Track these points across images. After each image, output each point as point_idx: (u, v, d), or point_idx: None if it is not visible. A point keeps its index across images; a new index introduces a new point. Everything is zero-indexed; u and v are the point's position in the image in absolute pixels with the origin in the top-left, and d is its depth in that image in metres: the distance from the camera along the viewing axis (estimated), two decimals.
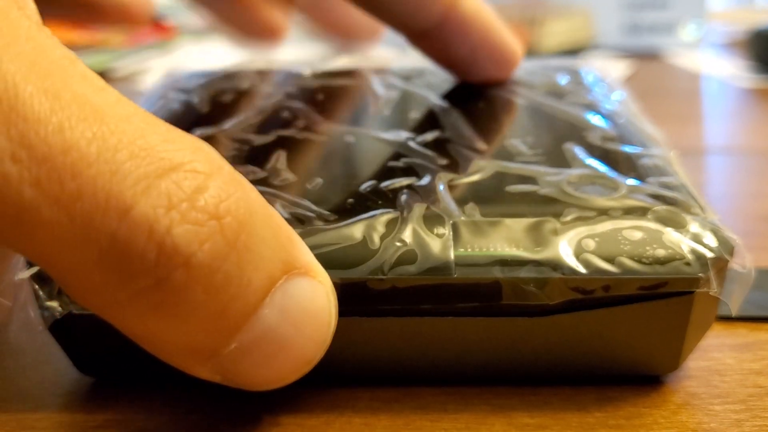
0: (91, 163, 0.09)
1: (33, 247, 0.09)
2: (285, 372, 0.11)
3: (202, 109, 0.19)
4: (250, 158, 0.16)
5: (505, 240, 0.13)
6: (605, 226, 0.13)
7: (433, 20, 0.18)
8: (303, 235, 0.13)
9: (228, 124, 0.18)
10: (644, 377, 0.15)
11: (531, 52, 0.46)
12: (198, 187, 0.09)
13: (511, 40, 0.19)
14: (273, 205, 0.14)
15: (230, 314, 0.10)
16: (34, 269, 0.13)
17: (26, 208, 0.09)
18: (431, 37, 0.19)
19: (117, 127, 0.09)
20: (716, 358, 0.15)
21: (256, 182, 0.15)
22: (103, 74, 0.49)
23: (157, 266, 0.09)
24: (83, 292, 0.10)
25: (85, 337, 0.14)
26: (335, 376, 0.14)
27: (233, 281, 0.09)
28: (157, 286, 0.09)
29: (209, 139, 0.17)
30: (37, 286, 0.13)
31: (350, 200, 0.14)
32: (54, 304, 0.13)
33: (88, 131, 0.09)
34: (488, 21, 0.19)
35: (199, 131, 0.17)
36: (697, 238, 0.13)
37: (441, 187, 0.14)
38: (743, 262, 0.14)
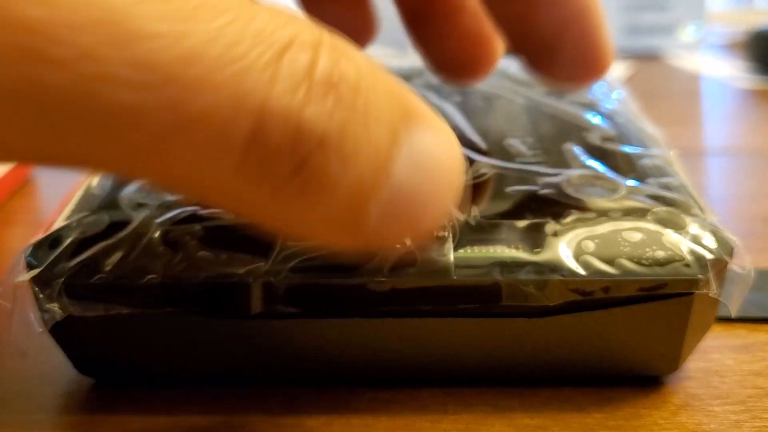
0: (218, 67, 0.08)
1: (171, 170, 0.09)
2: (426, 223, 0.10)
3: None
4: None
5: (505, 242, 0.13)
6: (605, 227, 0.14)
7: None
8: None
9: None
10: (644, 378, 0.15)
11: None
12: (311, 61, 0.09)
13: (609, 39, 0.16)
14: None
15: (366, 177, 0.09)
16: (34, 272, 0.13)
17: (161, 134, 0.08)
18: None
19: (228, 16, 0.08)
20: (716, 359, 0.15)
21: None
22: None
23: (294, 153, 0.09)
24: (225, 199, 0.09)
25: (84, 339, 0.14)
26: (335, 377, 0.14)
27: (362, 145, 0.09)
28: (297, 171, 0.09)
29: None
30: (37, 289, 0.13)
31: None
32: (54, 306, 0.13)
33: (204, 32, 0.08)
34: (591, 2, 0.15)
35: None
36: (696, 240, 0.13)
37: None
38: (742, 264, 0.14)
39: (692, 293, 0.13)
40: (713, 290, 0.13)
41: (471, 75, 0.17)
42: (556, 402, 0.14)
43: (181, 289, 0.13)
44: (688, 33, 0.54)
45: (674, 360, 0.14)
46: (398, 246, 0.11)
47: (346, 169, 0.09)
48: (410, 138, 0.10)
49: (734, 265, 0.14)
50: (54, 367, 0.15)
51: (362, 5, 0.18)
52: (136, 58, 0.08)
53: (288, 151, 0.09)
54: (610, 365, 0.14)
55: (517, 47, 0.16)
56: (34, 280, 0.13)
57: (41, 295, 0.13)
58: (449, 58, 0.17)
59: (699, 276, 0.13)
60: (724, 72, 0.47)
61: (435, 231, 0.11)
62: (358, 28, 0.19)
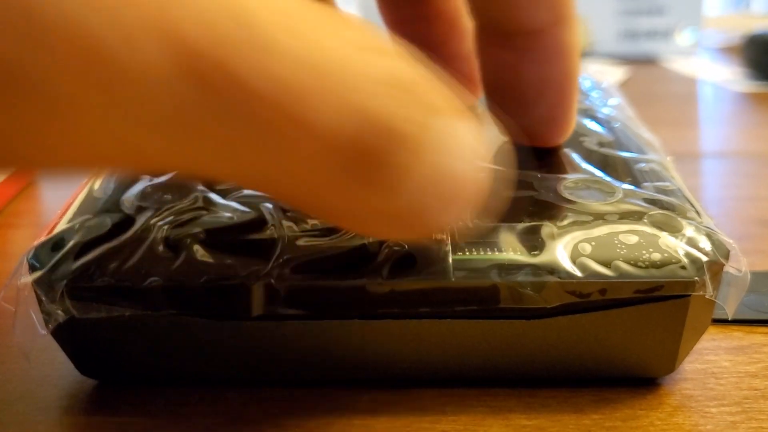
0: (330, 78, 0.09)
1: (281, 170, 0.09)
2: (462, 210, 0.11)
3: None
4: None
5: (503, 244, 0.13)
6: (601, 230, 0.14)
7: (527, 25, 0.16)
8: (303, 240, 0.13)
9: None
10: (641, 379, 0.15)
11: None
12: (398, 68, 0.10)
13: (575, 108, 0.16)
14: (274, 211, 0.14)
15: (438, 179, 0.10)
16: (37, 274, 0.13)
17: (280, 136, 0.09)
18: (507, 45, 0.16)
19: (331, 29, 0.09)
20: (712, 360, 0.16)
21: None
22: None
23: (385, 151, 0.10)
24: (322, 203, 0.10)
25: (87, 340, 0.14)
26: (335, 378, 0.15)
27: (438, 144, 0.10)
28: (380, 167, 0.10)
29: None
30: (39, 291, 0.13)
31: None
32: (56, 308, 0.13)
33: (316, 41, 0.09)
34: (573, 66, 0.16)
35: None
36: (692, 242, 0.14)
37: None
38: (738, 266, 0.14)
39: (688, 295, 0.13)
40: (709, 292, 0.13)
41: None
42: (554, 403, 0.14)
43: (182, 291, 0.13)
44: (684, 37, 0.54)
45: (671, 361, 0.14)
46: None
47: (424, 171, 0.10)
48: (451, 131, 0.11)
49: (730, 268, 0.14)
50: (56, 369, 0.15)
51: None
52: (263, 63, 0.09)
53: (383, 154, 0.09)
54: (607, 367, 0.14)
55: (493, 94, 0.17)
56: (37, 282, 0.13)
57: (44, 298, 0.13)
58: None
59: (695, 278, 0.13)
60: (720, 76, 0.47)
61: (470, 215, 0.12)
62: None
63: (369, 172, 0.10)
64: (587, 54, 0.52)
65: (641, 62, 0.51)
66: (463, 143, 0.11)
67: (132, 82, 0.08)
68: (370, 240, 0.13)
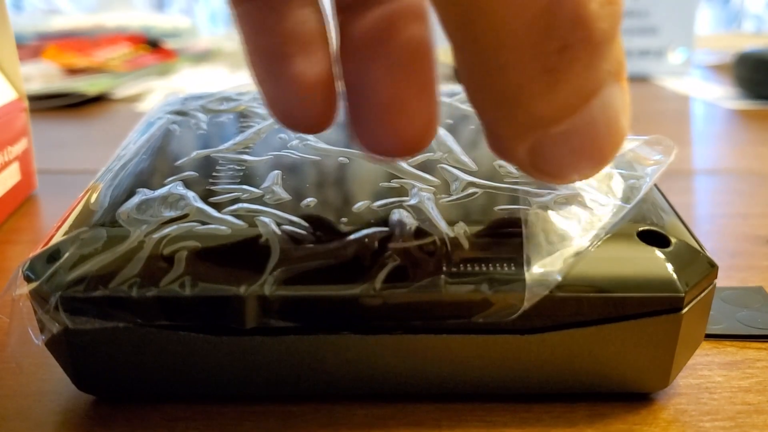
0: None
1: (488, 5, 0.10)
2: (582, 166, 0.12)
3: (201, 130, 0.20)
4: (245, 178, 0.16)
5: (494, 258, 0.13)
6: (592, 245, 0.14)
7: None
8: (297, 253, 0.13)
9: (225, 145, 0.18)
10: (635, 395, 0.15)
11: None
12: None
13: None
14: (269, 225, 0.14)
15: (583, 91, 0.11)
16: (32, 285, 0.13)
17: None
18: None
19: None
20: (705, 375, 0.16)
21: (251, 201, 0.15)
22: (105, 96, 0.49)
23: (570, 33, 0.10)
24: (505, 46, 0.10)
25: (82, 353, 0.14)
26: (331, 393, 0.15)
27: (598, 64, 0.11)
28: (561, 51, 0.10)
29: (207, 159, 0.17)
30: (34, 302, 0.13)
31: (343, 219, 0.14)
32: (51, 319, 0.13)
33: None
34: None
35: (198, 152, 0.18)
36: (681, 258, 0.14)
37: (431, 206, 0.15)
38: (728, 282, 0.14)
39: (680, 311, 0.13)
40: (700, 307, 0.13)
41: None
42: (548, 418, 0.14)
43: (176, 303, 0.13)
44: (676, 56, 0.55)
45: (664, 377, 0.14)
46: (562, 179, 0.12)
47: (582, 73, 0.11)
48: (611, 88, 0.11)
49: (720, 283, 0.14)
50: (53, 385, 0.15)
51: None
52: None
53: (567, 29, 0.10)
54: (601, 382, 0.14)
55: None
56: (32, 293, 0.13)
57: (38, 309, 0.13)
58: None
59: (685, 293, 0.13)
60: (712, 94, 0.48)
61: (585, 176, 0.12)
62: None
63: (549, 49, 0.10)
64: None
65: (634, 81, 0.51)
66: (627, 105, 0.11)
67: None
68: (364, 252, 0.13)
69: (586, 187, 0.16)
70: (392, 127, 0.12)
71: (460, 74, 0.11)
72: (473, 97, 0.11)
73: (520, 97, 0.11)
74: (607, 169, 0.17)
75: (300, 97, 0.13)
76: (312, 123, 0.13)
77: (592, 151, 0.12)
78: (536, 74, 0.10)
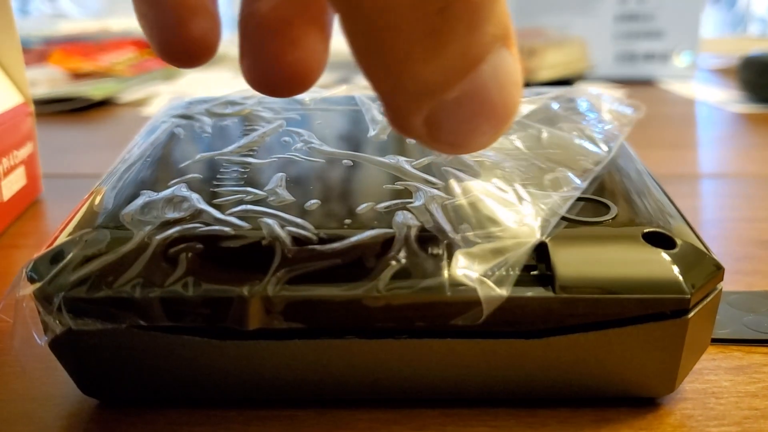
0: None
1: None
2: (480, 132, 0.12)
3: (205, 134, 0.20)
4: (250, 180, 0.16)
5: (499, 260, 0.13)
6: (598, 248, 0.14)
7: None
8: (300, 254, 0.13)
9: (230, 148, 0.18)
10: (640, 399, 0.15)
11: (528, 81, 0.47)
12: None
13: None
14: (272, 226, 0.14)
15: (468, 55, 0.11)
16: (35, 286, 0.13)
17: None
18: None
19: None
20: (712, 380, 0.15)
21: (255, 203, 0.15)
22: (110, 101, 0.49)
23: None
24: (385, 8, 0.10)
25: (85, 355, 0.14)
26: (336, 397, 0.15)
27: (481, 27, 0.11)
28: (441, 11, 0.10)
29: (211, 162, 0.17)
30: (37, 303, 0.13)
31: (347, 221, 0.14)
32: (53, 319, 0.13)
33: None
34: None
35: (202, 155, 0.18)
36: (688, 261, 0.14)
37: (435, 208, 0.15)
38: (734, 286, 0.14)
39: (686, 315, 0.13)
40: (707, 310, 0.13)
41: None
42: (554, 423, 0.14)
43: (179, 303, 0.13)
44: (682, 60, 0.55)
45: (670, 381, 0.14)
46: (452, 147, 0.12)
47: (465, 35, 0.11)
48: (500, 52, 0.11)
49: (726, 288, 0.14)
50: (58, 389, 0.15)
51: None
52: None
53: None
54: (607, 386, 0.14)
55: None
56: (35, 294, 0.13)
57: (41, 309, 0.13)
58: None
59: (691, 295, 0.13)
60: (717, 98, 0.48)
61: (485, 143, 0.12)
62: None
63: (430, 10, 0.10)
64: (586, 77, 0.52)
65: (639, 84, 0.51)
66: (518, 71, 0.12)
67: None
68: (368, 254, 0.13)
69: (590, 190, 0.16)
70: (280, 56, 0.13)
71: (350, 47, 0.11)
72: (365, 70, 0.11)
73: (408, 63, 0.11)
74: (612, 174, 0.17)
75: (177, 23, 0.14)
76: (188, 50, 0.14)
77: (488, 117, 0.12)
78: (420, 37, 0.11)
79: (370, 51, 0.11)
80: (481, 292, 0.13)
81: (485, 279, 0.13)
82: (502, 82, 0.11)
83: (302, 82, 0.14)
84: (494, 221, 0.14)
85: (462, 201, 0.15)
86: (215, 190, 0.16)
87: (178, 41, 0.14)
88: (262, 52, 0.13)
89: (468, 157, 0.17)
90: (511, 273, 0.13)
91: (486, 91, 0.11)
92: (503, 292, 0.13)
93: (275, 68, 0.13)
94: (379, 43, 0.11)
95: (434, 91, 0.11)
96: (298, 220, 0.14)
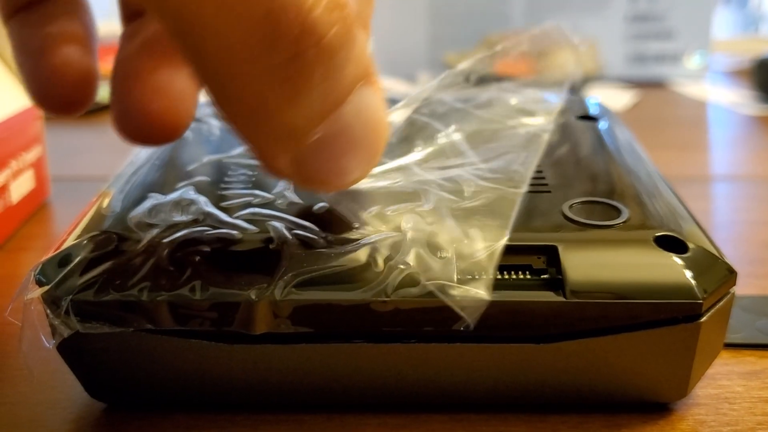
0: None
1: (202, 19, 0.10)
2: (348, 170, 0.12)
3: (212, 137, 0.20)
4: (258, 183, 0.16)
5: (509, 264, 0.13)
6: (609, 252, 0.14)
7: None
8: (308, 258, 0.13)
9: (237, 150, 0.18)
10: (652, 405, 0.14)
11: (539, 82, 0.46)
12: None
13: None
14: (280, 229, 0.14)
15: (329, 98, 0.11)
16: (43, 289, 0.13)
17: None
18: None
19: None
20: (725, 385, 0.15)
21: (263, 206, 0.15)
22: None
23: (298, 41, 0.10)
24: (232, 59, 0.10)
25: (92, 357, 0.14)
26: (345, 402, 0.14)
27: (340, 71, 0.11)
28: (292, 60, 0.10)
29: (218, 165, 0.17)
30: (45, 306, 0.13)
31: (355, 224, 0.14)
32: (61, 322, 0.13)
33: None
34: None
35: (210, 157, 0.18)
36: (700, 266, 0.13)
37: (445, 212, 0.14)
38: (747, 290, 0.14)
39: (699, 319, 0.13)
40: (719, 315, 0.13)
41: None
42: (565, 428, 0.14)
43: (187, 307, 0.13)
44: (693, 61, 0.54)
45: (683, 386, 0.14)
46: (324, 185, 0.12)
47: (323, 79, 0.11)
48: (362, 90, 0.11)
49: (739, 292, 0.14)
50: (66, 393, 0.15)
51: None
52: None
53: (293, 38, 0.10)
54: (618, 391, 0.14)
55: None
56: (43, 297, 0.13)
57: (49, 312, 0.13)
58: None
59: (704, 299, 0.13)
60: (729, 99, 0.47)
61: (355, 179, 0.12)
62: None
63: (279, 60, 0.10)
64: (597, 78, 0.52)
65: (650, 86, 0.51)
66: (382, 104, 0.12)
67: None
68: (376, 257, 0.13)
69: (602, 193, 0.15)
70: (145, 105, 0.13)
71: (207, 94, 0.11)
72: (223, 115, 0.11)
73: (266, 110, 0.11)
74: (623, 176, 0.16)
75: (54, 81, 0.14)
76: (63, 102, 0.14)
77: (354, 155, 0.12)
78: (273, 86, 0.10)
79: (226, 100, 0.11)
80: (463, 297, 0.13)
81: (475, 282, 0.13)
82: (365, 120, 0.11)
83: (171, 131, 0.13)
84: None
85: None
86: (223, 193, 0.16)
87: (52, 101, 0.14)
88: (128, 101, 0.13)
89: (480, 163, 0.17)
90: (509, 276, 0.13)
91: (350, 130, 0.11)
92: (486, 295, 0.13)
93: (140, 118, 0.13)
94: (231, 92, 0.11)
95: (296, 135, 0.11)
96: (306, 224, 0.14)
